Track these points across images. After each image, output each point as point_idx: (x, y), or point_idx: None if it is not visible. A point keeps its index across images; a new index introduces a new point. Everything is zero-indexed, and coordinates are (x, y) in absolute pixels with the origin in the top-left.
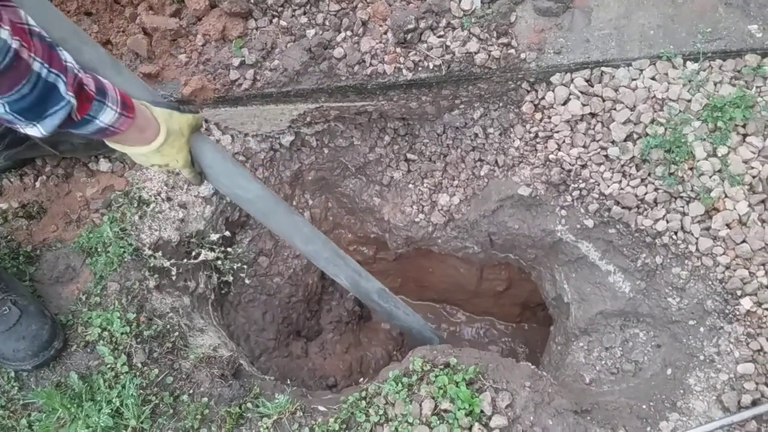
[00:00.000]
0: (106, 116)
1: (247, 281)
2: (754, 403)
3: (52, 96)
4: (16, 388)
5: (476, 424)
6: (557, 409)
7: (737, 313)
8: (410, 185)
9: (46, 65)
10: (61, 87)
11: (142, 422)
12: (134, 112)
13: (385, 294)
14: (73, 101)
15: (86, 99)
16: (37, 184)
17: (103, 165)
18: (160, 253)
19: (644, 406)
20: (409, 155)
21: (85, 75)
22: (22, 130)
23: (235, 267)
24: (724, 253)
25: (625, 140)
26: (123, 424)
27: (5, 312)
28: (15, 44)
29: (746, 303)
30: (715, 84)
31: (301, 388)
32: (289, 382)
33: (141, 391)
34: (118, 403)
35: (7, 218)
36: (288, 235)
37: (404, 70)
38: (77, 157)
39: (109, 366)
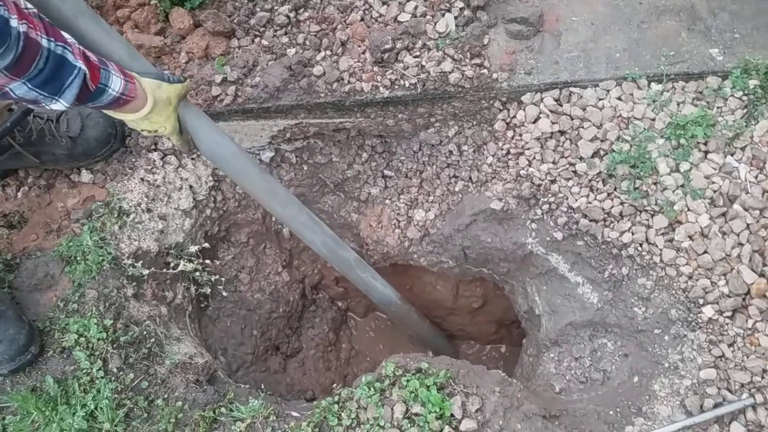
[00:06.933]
0: (116, 83)
1: (224, 294)
2: (716, 407)
3: (65, 65)
4: None
5: (446, 427)
6: (526, 414)
7: (700, 321)
8: (387, 201)
9: (52, 40)
10: (69, 56)
11: (116, 425)
12: (133, 77)
13: (362, 264)
14: (84, 68)
15: (95, 68)
16: (19, 194)
17: (85, 176)
18: (140, 263)
19: (611, 412)
20: (386, 172)
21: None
22: (48, 107)
23: (213, 279)
24: (686, 264)
25: (592, 156)
26: (97, 428)
27: None
28: (23, 28)
29: (708, 311)
30: (678, 104)
31: (276, 396)
32: (263, 387)
33: (116, 396)
34: (92, 407)
35: None
36: (264, 198)
37: (381, 88)
38: (59, 169)
39: (84, 371)
